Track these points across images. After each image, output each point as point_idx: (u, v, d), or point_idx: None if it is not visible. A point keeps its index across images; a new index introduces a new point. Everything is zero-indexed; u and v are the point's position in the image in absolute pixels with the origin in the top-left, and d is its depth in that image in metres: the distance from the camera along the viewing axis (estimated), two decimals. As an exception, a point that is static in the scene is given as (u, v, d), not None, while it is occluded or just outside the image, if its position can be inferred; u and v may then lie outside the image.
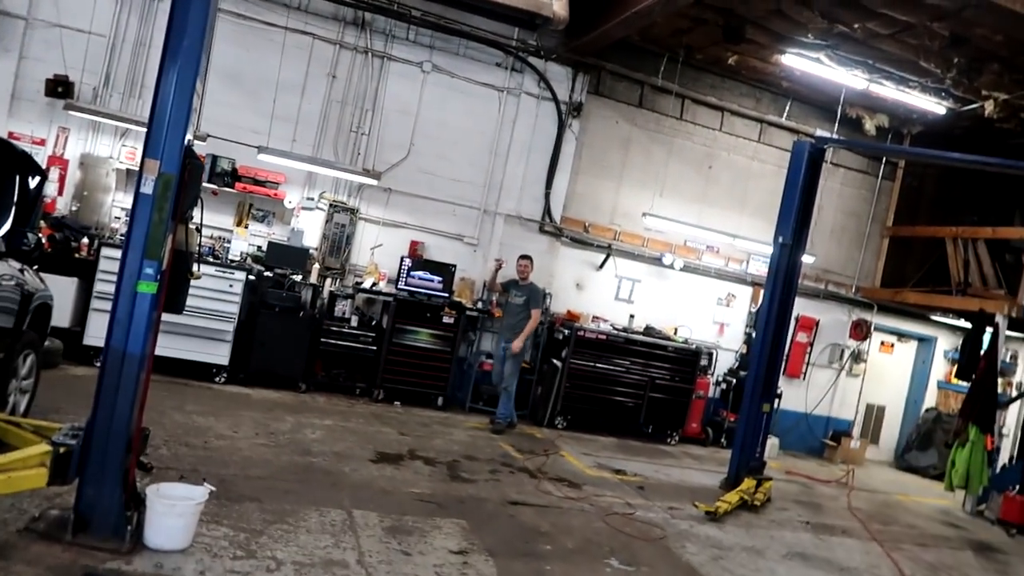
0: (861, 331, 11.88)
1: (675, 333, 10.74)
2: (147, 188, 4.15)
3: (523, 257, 9.10)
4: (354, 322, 9.20)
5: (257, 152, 8.57)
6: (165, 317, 4.42)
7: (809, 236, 8.51)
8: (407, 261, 9.49)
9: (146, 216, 4.14)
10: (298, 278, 8.84)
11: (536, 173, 10.24)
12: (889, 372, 12.75)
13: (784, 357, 8.34)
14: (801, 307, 11.56)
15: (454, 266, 9.69)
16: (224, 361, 8.47)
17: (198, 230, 4.75)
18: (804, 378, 11.87)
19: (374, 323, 9.42)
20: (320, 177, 9.46)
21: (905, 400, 13.02)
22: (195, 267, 4.74)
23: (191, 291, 7.70)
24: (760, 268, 11.44)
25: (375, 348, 9.16)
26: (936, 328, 12.72)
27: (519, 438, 8.78)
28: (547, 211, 10.28)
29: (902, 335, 12.79)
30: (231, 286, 8.41)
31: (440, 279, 9.59)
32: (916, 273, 12.18)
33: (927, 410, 12.69)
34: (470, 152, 10.06)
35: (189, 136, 4.28)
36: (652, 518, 6.63)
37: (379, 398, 9.16)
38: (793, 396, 11.51)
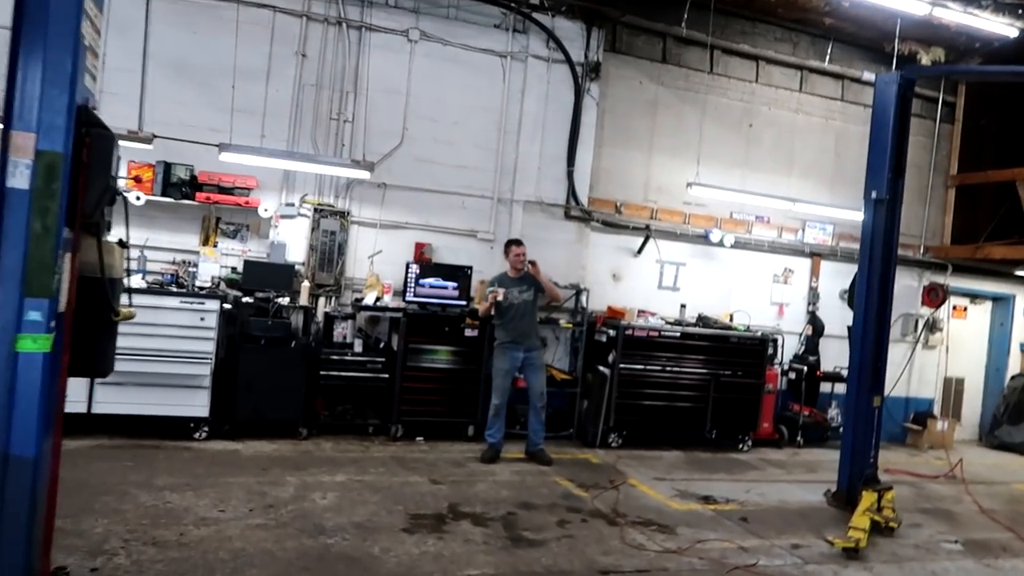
0: (936, 296, 10.33)
1: (731, 320, 9.17)
2: (18, 180, 2.53)
3: (515, 243, 7.42)
4: (358, 347, 7.59)
5: (219, 152, 6.93)
6: (118, 367, 2.80)
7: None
8: (414, 268, 7.89)
9: (21, 227, 2.52)
10: (285, 301, 7.22)
11: (554, 150, 8.65)
12: (964, 339, 11.19)
13: (888, 337, 6.82)
14: (865, 276, 10.03)
15: (470, 268, 8.10)
16: (203, 412, 6.83)
17: (122, 244, 3.10)
18: (878, 357, 10.31)
19: (382, 345, 7.80)
20: (299, 177, 7.84)
21: (985, 369, 11.51)
22: (120, 301, 3.09)
23: (148, 332, 6.12)
24: (818, 236, 9.94)
25: (387, 376, 7.55)
26: (1013, 284, 11.22)
27: (575, 468, 7.19)
28: (572, 193, 8.70)
29: (976, 296, 11.28)
30: (202, 319, 6.77)
31: (455, 285, 8.00)
32: (988, 224, 10.65)
33: (1013, 377, 11.20)
34: (474, 133, 8.46)
35: (85, 95, 2.66)
36: (781, 566, 5.06)
37: (398, 435, 7.54)
38: (868, 379, 9.92)
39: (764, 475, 7.76)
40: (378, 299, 7.70)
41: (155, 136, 6.72)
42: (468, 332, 7.76)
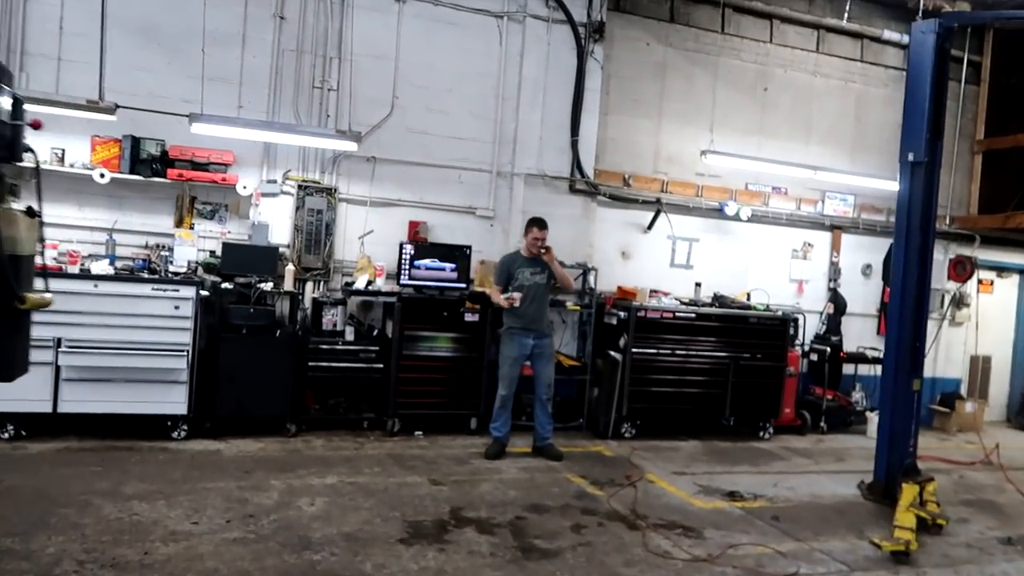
0: (963, 270, 9.74)
1: (748, 299, 8.58)
2: None
3: (537, 224, 6.62)
4: (349, 335, 6.99)
5: (189, 123, 6.28)
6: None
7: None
8: (408, 248, 7.27)
9: None
10: (268, 286, 6.61)
11: (557, 118, 8.02)
12: (991, 315, 10.61)
13: (927, 314, 6.24)
14: (886, 248, 9.47)
15: (468, 247, 7.48)
16: (181, 409, 6.24)
17: (31, 213, 2.50)
18: (902, 335, 9.73)
19: (376, 333, 7.20)
20: (281, 151, 7.21)
21: (1013, 346, 10.94)
22: (32, 284, 2.49)
23: (118, 322, 5.63)
24: (838, 207, 9.33)
25: (381, 365, 6.96)
26: (1042, 256, 10.64)
27: (587, 463, 6.62)
28: (576, 164, 8.07)
29: (1003, 269, 10.69)
30: (177, 307, 6.17)
31: (453, 266, 7.39)
32: (1018, 192, 10.03)
33: (1042, 355, 10.65)
34: (470, 101, 7.82)
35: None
36: (825, 574, 4.50)
37: (394, 430, 6.97)
38: (892, 358, 9.33)
39: (790, 465, 7.20)
40: (370, 283, 7.10)
41: (118, 106, 6.07)
42: (468, 317, 7.16)
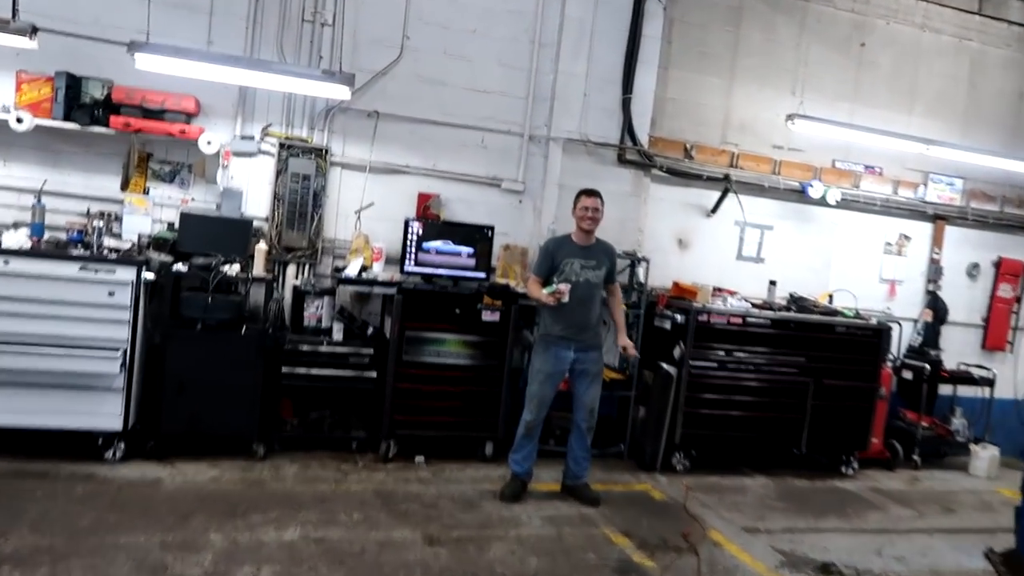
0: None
1: (831, 301, 7.00)
2: None
3: (589, 193, 5.15)
4: (337, 333, 5.58)
5: (129, 52, 4.79)
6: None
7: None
8: (415, 226, 5.82)
9: None
10: (233, 270, 5.19)
11: (605, 70, 6.46)
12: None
13: None
14: (998, 245, 7.83)
15: (491, 228, 6.02)
16: (115, 424, 4.89)
17: None
18: (1011, 350, 8.10)
19: (371, 332, 5.77)
20: (259, 101, 5.78)
21: None
22: None
23: (35, 311, 4.35)
24: (943, 193, 7.67)
25: (375, 374, 5.55)
26: None
27: (631, 510, 5.14)
28: (628, 129, 6.52)
29: None
30: (112, 294, 4.80)
31: (471, 251, 5.94)
32: None
33: None
34: (499, 45, 6.30)
35: None
36: None
37: (389, 455, 5.56)
38: (998, 377, 7.67)
39: (889, 519, 5.66)
40: (364, 268, 5.66)
41: (36, 29, 4.63)
42: (487, 315, 5.70)
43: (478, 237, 5.98)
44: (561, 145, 6.37)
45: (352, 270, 5.55)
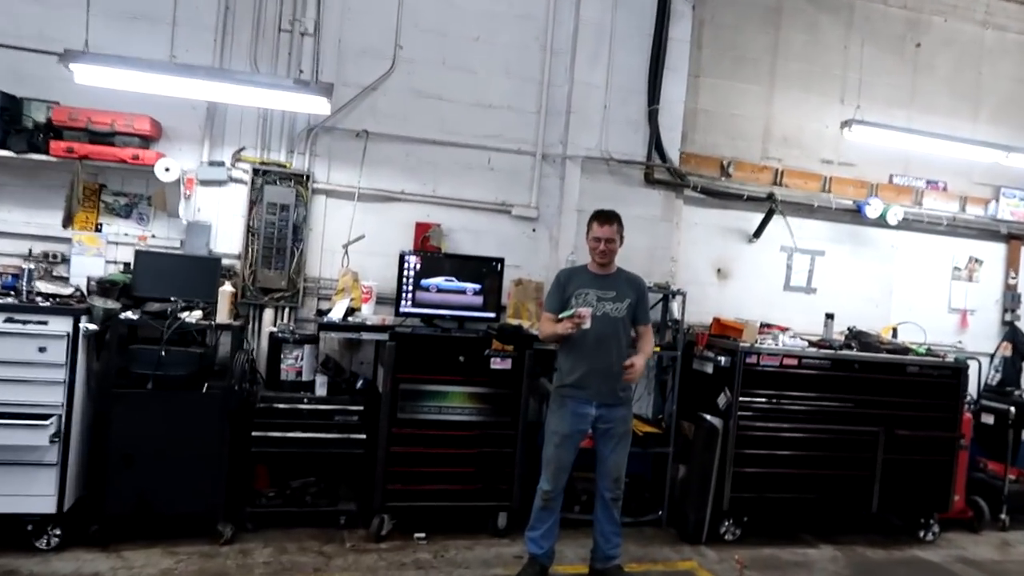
0: None
1: (895, 336, 6.07)
2: None
3: (602, 220, 4.21)
4: (321, 388, 4.74)
5: (61, 63, 4.05)
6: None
7: None
8: (412, 261, 5.01)
9: None
10: (194, 316, 4.38)
11: (628, 79, 5.65)
12: None
13: None
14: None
15: (499, 261, 5.18)
16: (47, 506, 4.05)
17: None
18: (1103, 386, 7.06)
19: (361, 385, 4.91)
20: (231, 120, 5.04)
21: None
22: None
23: None
24: (1018, 208, 6.72)
25: (364, 436, 4.68)
26: None
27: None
28: (655, 144, 5.69)
29: None
30: (43, 350, 4.01)
31: (477, 287, 5.11)
32: None
33: None
34: (506, 53, 5.53)
35: None
36: None
37: (383, 532, 4.65)
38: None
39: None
40: (352, 311, 4.84)
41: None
42: (497, 362, 4.83)
43: (485, 272, 5.15)
44: (579, 164, 5.55)
45: (336, 313, 4.72)
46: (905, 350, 5.59)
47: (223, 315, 4.40)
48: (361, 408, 4.73)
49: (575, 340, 4.10)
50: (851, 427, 5.37)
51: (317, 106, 4.44)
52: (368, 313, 4.83)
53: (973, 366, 6.12)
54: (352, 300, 4.91)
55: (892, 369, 5.48)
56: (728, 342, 5.29)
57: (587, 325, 3.97)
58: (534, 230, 5.61)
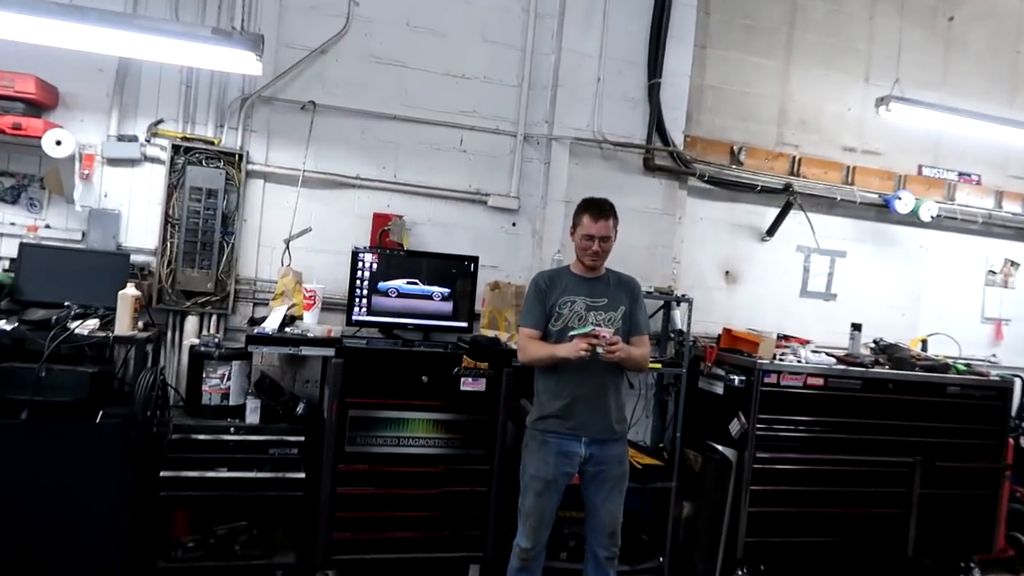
0: None
1: (924, 348, 5.31)
2: None
3: (595, 213, 3.34)
4: (252, 414, 3.85)
5: None
6: None
7: None
8: (368, 260, 4.16)
9: None
10: (87, 327, 3.47)
11: (625, 48, 4.81)
12: None
13: None
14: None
15: (473, 260, 4.35)
16: None
17: None
18: None
19: (302, 410, 4.02)
20: (146, 85, 4.14)
21: None
22: None
23: None
24: (1059, 204, 5.96)
25: (304, 475, 3.81)
26: None
27: None
28: (656, 125, 4.85)
29: None
30: None
31: (445, 291, 4.27)
32: None
33: None
34: (482, 15, 4.68)
35: None
36: None
37: (327, 592, 3.79)
38: None
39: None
40: (291, 320, 3.96)
41: None
42: (468, 383, 3.98)
43: (456, 273, 4.31)
44: (568, 147, 4.71)
45: (271, 323, 3.84)
46: (944, 367, 4.81)
47: (124, 325, 3.49)
48: (302, 439, 3.86)
49: (565, 366, 3.26)
50: (884, 457, 4.59)
51: (244, 64, 3.55)
52: (311, 322, 3.95)
53: (1019, 384, 5.38)
54: (293, 306, 4.04)
55: (930, 390, 4.70)
56: (742, 357, 4.48)
57: (604, 346, 3.12)
58: (514, 224, 4.76)
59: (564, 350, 3.17)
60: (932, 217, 5.34)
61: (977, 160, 5.74)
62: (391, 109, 4.50)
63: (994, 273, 5.90)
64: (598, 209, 3.31)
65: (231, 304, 4.21)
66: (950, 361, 4.98)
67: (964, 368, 4.87)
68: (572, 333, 3.19)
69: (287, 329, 3.86)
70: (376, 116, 4.47)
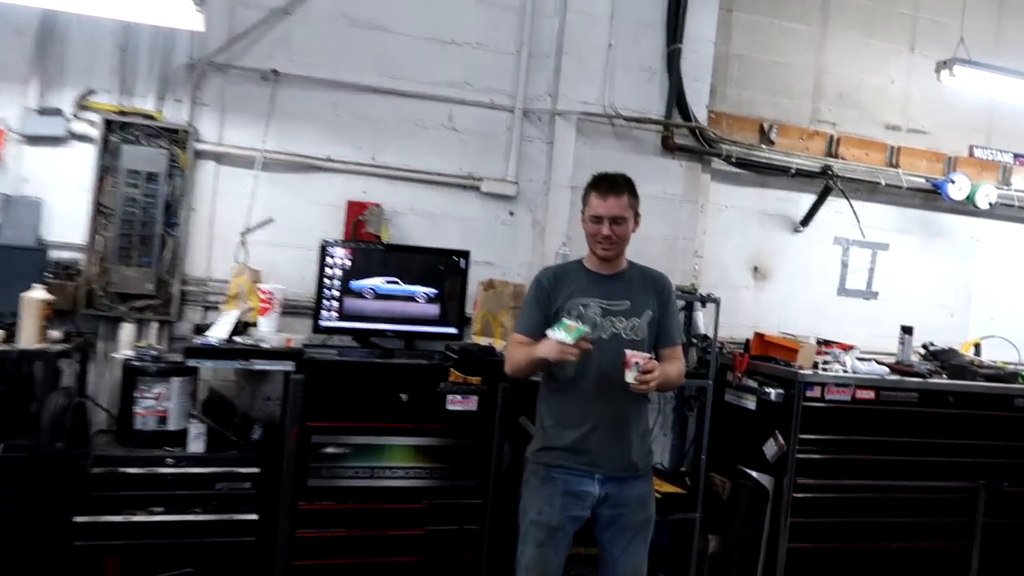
0: None
1: (978, 353, 4.66)
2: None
3: (605, 188, 2.62)
4: (197, 441, 3.19)
5: None
6: None
7: None
8: (339, 255, 3.52)
9: None
10: (-10, 338, 2.84)
11: (639, 9, 4.15)
12: None
13: None
14: None
15: (463, 255, 3.71)
16: None
17: None
18: None
19: (258, 435, 3.37)
20: (74, 50, 3.49)
21: None
22: None
23: None
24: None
25: (257, 517, 3.16)
26: None
27: None
28: (676, 98, 4.19)
29: None
30: None
31: (431, 292, 3.63)
32: None
33: None
34: (473, -27, 4.03)
35: None
36: None
37: (287, 656, 3.15)
38: None
39: None
40: (245, 326, 3.32)
41: None
42: (456, 402, 3.35)
43: (444, 270, 3.68)
44: (574, 124, 4.06)
45: (218, 332, 3.19)
46: (1013, 376, 4.15)
47: (29, 336, 2.84)
48: (256, 471, 3.21)
49: (567, 378, 2.61)
50: (943, 483, 3.95)
51: (181, 15, 2.91)
52: (268, 330, 3.30)
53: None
54: (249, 311, 3.39)
55: (995, 403, 4.05)
56: (779, 367, 3.83)
57: (633, 379, 2.44)
58: (511, 213, 4.11)
59: (543, 349, 2.50)
60: (990, 204, 4.68)
61: (1029, 138, 5.10)
62: (368, 80, 3.84)
63: (1053, 268, 5.24)
64: (608, 184, 2.64)
65: (176, 308, 3.56)
66: (1013, 368, 4.32)
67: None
68: (555, 333, 2.43)
69: (237, 339, 3.21)
70: (351, 88, 3.82)
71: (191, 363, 3.09)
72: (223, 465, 3.18)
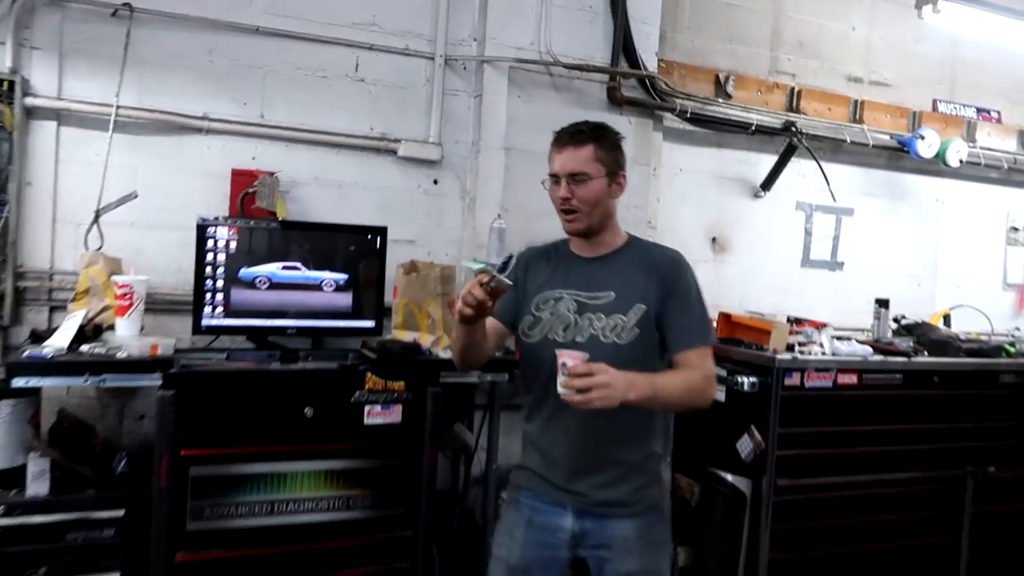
0: None
1: (947, 324, 4.29)
2: None
3: (569, 139, 1.99)
4: (39, 480, 2.46)
5: None
6: None
7: None
8: (222, 236, 2.81)
9: None
10: None
11: (577, -61, 3.56)
12: None
13: None
14: None
15: (379, 232, 3.04)
16: None
17: None
18: None
19: (121, 466, 2.66)
20: None
21: None
22: None
23: None
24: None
25: (120, 573, 2.46)
26: None
27: None
28: (622, 44, 3.61)
29: None
30: None
31: (341, 278, 2.96)
32: None
33: None
34: None
35: None
36: None
37: None
38: None
39: None
40: (99, 330, 2.59)
41: None
42: (375, 414, 2.70)
43: (356, 252, 3.02)
44: (505, 73, 3.43)
45: (58, 339, 2.46)
46: (996, 349, 3.77)
47: None
48: (120, 513, 2.51)
49: (539, 385, 2.01)
50: (930, 472, 3.54)
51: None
52: (128, 334, 2.58)
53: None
54: (105, 310, 2.66)
55: (981, 380, 3.67)
56: (751, 351, 3.33)
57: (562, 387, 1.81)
58: (436, 182, 3.46)
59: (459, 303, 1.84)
60: (961, 161, 4.29)
61: (996, 93, 4.75)
62: (252, 18, 3.12)
63: (1016, 230, 4.93)
64: (569, 133, 2.02)
65: (9, 310, 2.78)
66: (1004, 343, 3.94)
67: (1015, 351, 3.85)
68: (477, 269, 1.77)
69: (85, 347, 2.48)
70: (229, 28, 3.08)
71: (18, 383, 2.34)
72: (76, 510, 2.48)
